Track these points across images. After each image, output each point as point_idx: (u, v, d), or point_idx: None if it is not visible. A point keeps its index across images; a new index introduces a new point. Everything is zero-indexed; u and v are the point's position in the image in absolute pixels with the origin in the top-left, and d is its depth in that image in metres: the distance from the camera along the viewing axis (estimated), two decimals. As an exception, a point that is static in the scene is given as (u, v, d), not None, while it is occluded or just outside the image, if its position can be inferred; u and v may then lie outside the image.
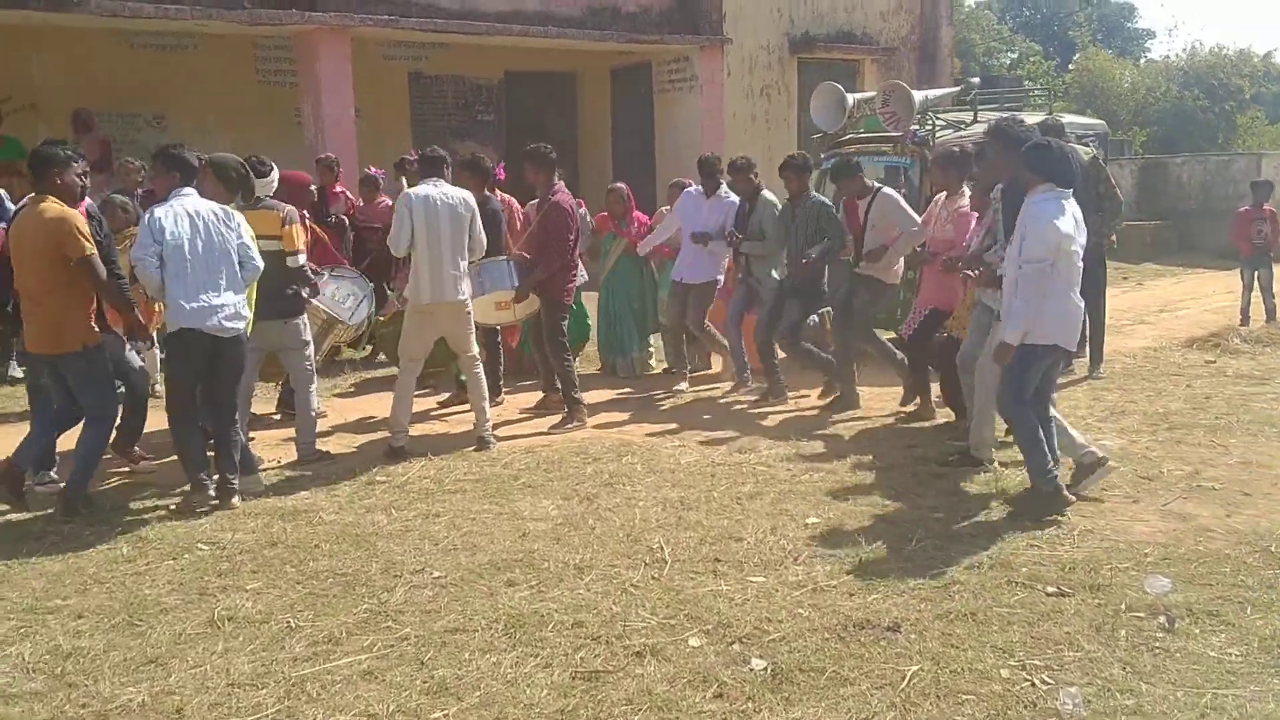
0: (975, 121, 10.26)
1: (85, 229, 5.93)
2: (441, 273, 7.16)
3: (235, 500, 6.20)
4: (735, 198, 8.97)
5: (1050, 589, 4.77)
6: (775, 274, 8.56)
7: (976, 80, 12.12)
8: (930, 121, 9.94)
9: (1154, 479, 6.39)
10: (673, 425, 8.07)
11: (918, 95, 10.01)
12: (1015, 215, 5.87)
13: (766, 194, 8.77)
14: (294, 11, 11.64)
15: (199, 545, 5.58)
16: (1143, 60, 38.79)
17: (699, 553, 5.30)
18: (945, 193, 7.71)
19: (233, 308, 6.11)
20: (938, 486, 6.35)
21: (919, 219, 8.10)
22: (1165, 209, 20.30)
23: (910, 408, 8.12)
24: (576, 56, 15.57)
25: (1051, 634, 4.34)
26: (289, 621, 4.59)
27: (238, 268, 6.15)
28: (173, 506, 6.20)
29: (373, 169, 10.70)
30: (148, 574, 5.21)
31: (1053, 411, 6.06)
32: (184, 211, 6.03)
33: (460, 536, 5.63)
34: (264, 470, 6.77)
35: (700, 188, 9.12)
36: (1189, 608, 4.55)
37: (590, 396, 8.59)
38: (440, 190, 7.20)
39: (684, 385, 9.30)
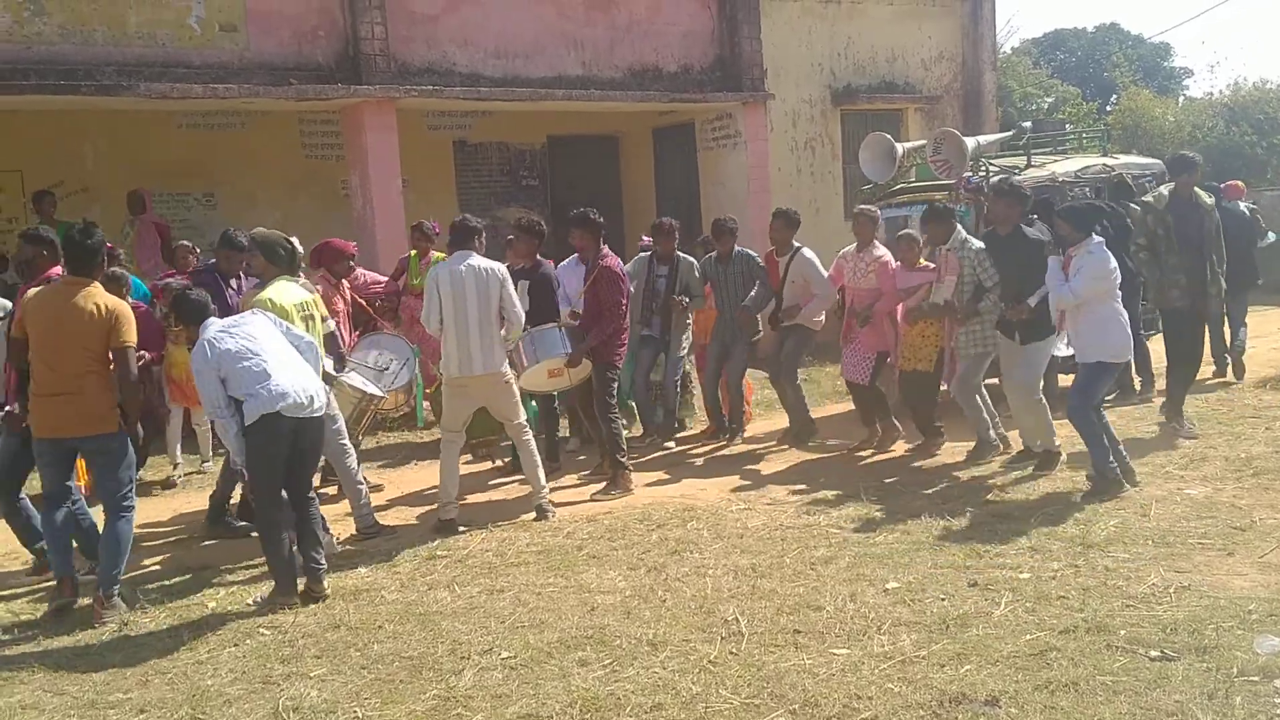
0: (1029, 166, 10.09)
1: (132, 320, 5.89)
2: (468, 346, 7.01)
3: (325, 583, 5.92)
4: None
5: (1154, 653, 4.49)
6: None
7: (1028, 125, 12.00)
8: (984, 168, 9.77)
9: (1246, 529, 6.10)
10: (737, 485, 7.88)
11: (969, 142, 9.86)
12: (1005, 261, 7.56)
13: (684, 256, 9.35)
14: (339, 86, 11.69)
15: (260, 630, 5.44)
16: (1181, 98, 38.46)
17: (777, 624, 5.08)
18: (855, 246, 8.69)
19: (309, 390, 5.86)
20: (1019, 543, 6.10)
21: (830, 284, 8.79)
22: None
23: (865, 448, 8.78)
24: (618, 118, 15.58)
25: (1162, 704, 4.07)
26: (356, 711, 4.43)
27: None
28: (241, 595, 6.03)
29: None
30: (209, 662, 5.07)
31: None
32: (220, 329, 5.81)
33: (527, 613, 5.45)
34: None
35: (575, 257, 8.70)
36: (1305, 669, 4.27)
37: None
38: (467, 262, 7.06)
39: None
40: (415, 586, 5.99)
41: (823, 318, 9.12)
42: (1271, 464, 7.44)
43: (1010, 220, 7.62)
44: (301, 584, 5.88)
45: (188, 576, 6.42)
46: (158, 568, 6.69)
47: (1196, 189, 8.75)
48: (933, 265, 8.20)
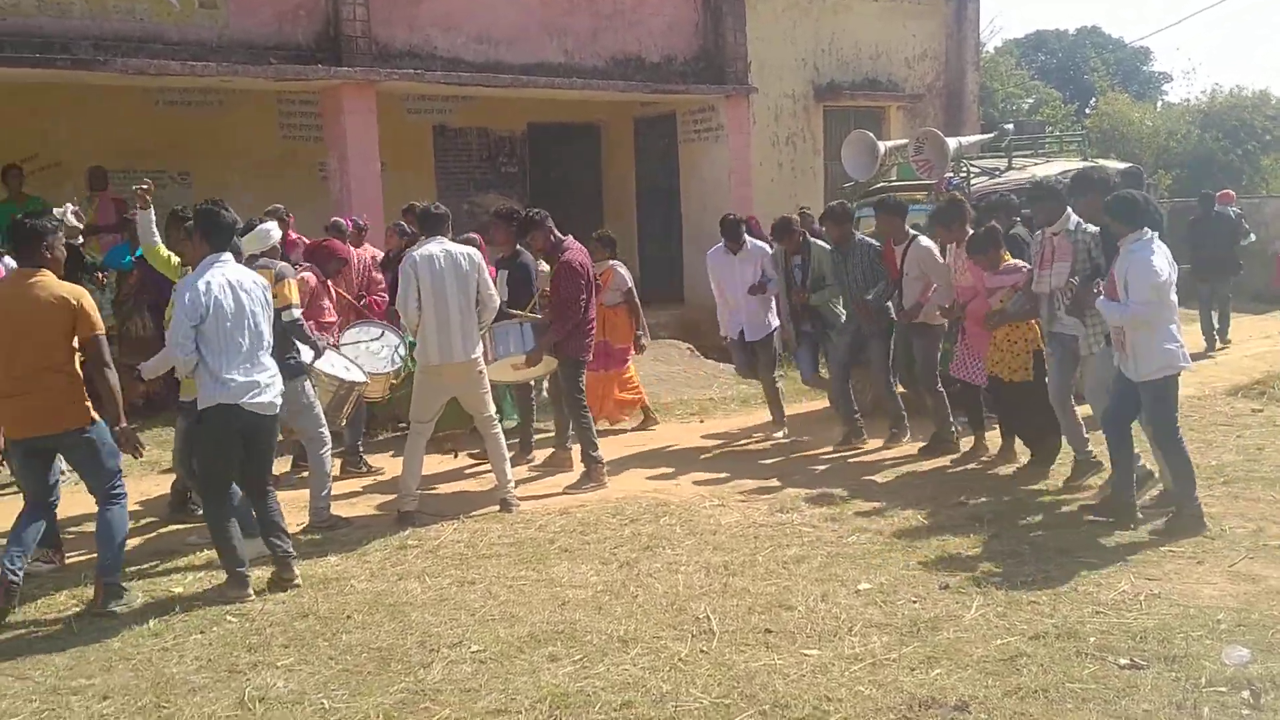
0: (1010, 168, 10.10)
1: (94, 306, 5.63)
2: (449, 332, 6.96)
3: (295, 569, 5.83)
4: (763, 245, 9.28)
5: (1123, 661, 4.51)
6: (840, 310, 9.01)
7: (1010, 127, 12.01)
8: (965, 169, 9.77)
9: (1216, 538, 6.12)
10: (711, 480, 7.86)
11: (951, 143, 9.86)
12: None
13: (816, 242, 9.04)
14: (320, 67, 11.58)
15: (228, 617, 5.38)
16: (1159, 104, 38.63)
17: (748, 623, 5.06)
18: (956, 243, 8.07)
19: (275, 385, 5.81)
20: (992, 546, 6.12)
21: (948, 272, 8.20)
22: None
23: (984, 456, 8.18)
24: (599, 107, 15.51)
25: (1130, 712, 4.09)
26: (323, 703, 4.38)
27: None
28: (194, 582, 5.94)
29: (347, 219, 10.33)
30: (175, 649, 5.01)
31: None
32: (225, 282, 5.66)
33: (497, 606, 5.41)
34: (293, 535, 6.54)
35: (722, 245, 9.25)
36: (1273, 680, 4.28)
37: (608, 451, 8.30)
38: (443, 248, 7.02)
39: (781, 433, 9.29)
40: (385, 576, 5.95)
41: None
42: (1242, 472, 7.49)
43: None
44: (270, 572, 5.83)
45: (154, 562, 6.35)
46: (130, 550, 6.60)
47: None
48: (1020, 264, 7.55)
